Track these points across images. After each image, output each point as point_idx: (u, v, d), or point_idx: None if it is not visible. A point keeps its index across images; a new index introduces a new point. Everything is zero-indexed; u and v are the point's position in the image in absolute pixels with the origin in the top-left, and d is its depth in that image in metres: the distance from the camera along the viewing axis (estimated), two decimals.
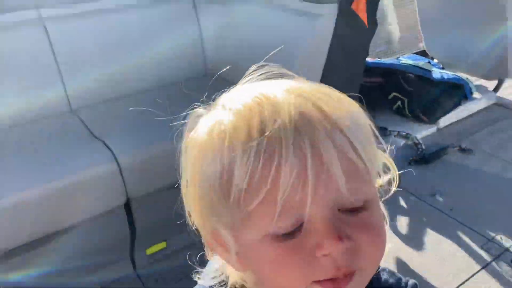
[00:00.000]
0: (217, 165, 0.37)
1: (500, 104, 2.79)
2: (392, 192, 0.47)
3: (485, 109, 2.75)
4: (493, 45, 2.62)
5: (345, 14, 1.74)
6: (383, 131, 2.43)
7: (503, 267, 1.63)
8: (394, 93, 2.62)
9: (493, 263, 1.64)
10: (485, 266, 1.64)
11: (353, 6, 1.77)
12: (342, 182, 0.34)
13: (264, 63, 0.44)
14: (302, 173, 0.33)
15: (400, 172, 0.48)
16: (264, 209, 0.34)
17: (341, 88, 1.65)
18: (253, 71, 0.44)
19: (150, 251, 1.70)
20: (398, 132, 2.43)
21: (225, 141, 0.36)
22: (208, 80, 2.16)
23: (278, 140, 0.34)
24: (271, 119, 0.35)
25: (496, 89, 2.83)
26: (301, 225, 0.35)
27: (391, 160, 0.45)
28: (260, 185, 0.34)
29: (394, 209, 1.95)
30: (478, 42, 2.71)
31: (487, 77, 2.88)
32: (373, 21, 1.93)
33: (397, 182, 0.46)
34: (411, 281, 0.52)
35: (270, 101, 0.37)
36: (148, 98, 1.84)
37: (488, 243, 1.74)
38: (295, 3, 1.65)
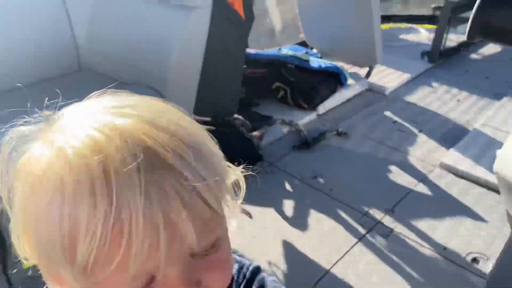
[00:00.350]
0: (56, 222, 0.32)
1: (371, 89, 3.06)
2: (239, 202, 0.45)
3: (359, 94, 3.00)
4: (363, 35, 2.85)
5: (221, 6, 1.75)
6: (269, 120, 2.52)
7: (376, 238, 1.80)
8: (277, 83, 2.73)
9: (368, 236, 1.81)
10: (361, 238, 1.80)
11: None
12: (195, 243, 0.34)
13: (110, 89, 0.39)
14: (155, 244, 0.32)
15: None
16: (114, 277, 0.33)
17: (224, 80, 1.69)
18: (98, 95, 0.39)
19: (27, 264, 1.56)
20: (282, 120, 2.53)
21: (65, 198, 0.32)
22: (83, 75, 2.04)
23: (127, 212, 0.31)
24: (118, 182, 0.31)
25: (367, 75, 3.10)
26: (153, 277, 0.34)
27: (240, 174, 0.44)
28: (108, 259, 0.32)
29: (280, 193, 2.04)
30: (350, 33, 2.94)
31: (359, 65, 3.14)
32: (250, 14, 1.98)
33: (243, 194, 0.46)
34: (252, 266, 0.54)
35: (113, 153, 0.32)
36: (15, 97, 1.67)
37: (363, 217, 1.91)
38: None
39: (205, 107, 1.99)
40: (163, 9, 1.64)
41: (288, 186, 2.11)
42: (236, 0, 1.81)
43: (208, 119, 2.07)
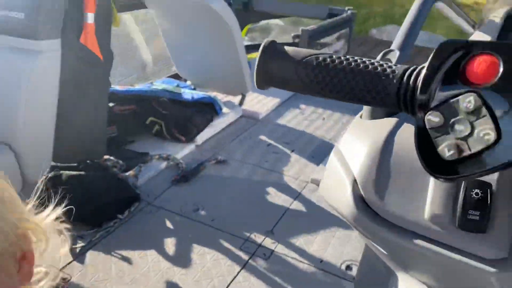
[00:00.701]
0: None
1: (245, 116, 3.18)
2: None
3: (234, 122, 3.09)
4: (231, 66, 2.97)
5: (73, 48, 1.68)
6: (145, 157, 2.46)
7: (258, 262, 1.84)
8: (150, 118, 2.69)
9: (250, 261, 1.84)
10: (245, 265, 1.82)
11: (82, 40, 1.74)
12: None
13: None
14: None
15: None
16: None
17: (86, 122, 1.60)
18: None
19: None
20: (159, 155, 2.49)
21: None
22: None
23: None
24: None
25: (240, 103, 3.22)
26: None
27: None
28: None
29: (161, 233, 1.99)
30: (219, 64, 3.03)
31: (232, 93, 3.25)
32: (108, 52, 1.94)
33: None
34: None
35: None
36: None
37: (245, 243, 1.94)
38: (12, 40, 1.50)
39: (69, 152, 1.88)
40: (6, 55, 1.52)
41: (169, 224, 2.06)
42: (90, 40, 1.75)
43: (74, 164, 1.95)
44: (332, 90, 0.45)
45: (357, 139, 0.66)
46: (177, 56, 3.22)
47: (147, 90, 2.77)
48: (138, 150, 2.55)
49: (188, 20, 2.81)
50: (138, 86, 2.91)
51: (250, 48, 4.31)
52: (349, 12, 4.15)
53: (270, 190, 2.35)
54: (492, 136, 0.36)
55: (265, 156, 2.67)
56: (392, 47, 0.74)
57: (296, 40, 3.57)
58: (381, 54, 0.72)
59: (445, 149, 0.38)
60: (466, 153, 0.37)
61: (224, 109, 3.09)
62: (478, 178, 0.49)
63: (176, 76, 3.46)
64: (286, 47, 0.48)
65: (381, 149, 0.62)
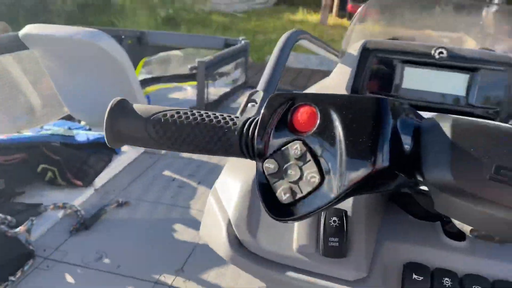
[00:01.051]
0: None
1: (147, 151, 3.11)
2: None
3: (135, 159, 3.00)
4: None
5: None
6: (38, 208, 2.28)
7: None
8: (42, 165, 2.50)
9: None
10: None
11: None
12: None
13: None
14: None
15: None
16: None
17: None
18: None
19: None
20: (54, 204, 2.32)
21: None
22: None
23: None
24: None
25: None
26: None
27: None
28: None
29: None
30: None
31: None
32: None
33: None
34: None
35: None
36: None
37: (155, 286, 1.87)
38: None
39: None
40: None
41: (69, 278, 1.92)
42: None
43: None
44: (182, 144, 0.46)
45: (230, 179, 0.68)
46: (67, 96, 3.07)
47: (35, 136, 2.58)
48: (30, 202, 2.35)
49: (75, 59, 2.71)
50: (26, 133, 2.71)
51: (148, 81, 4.27)
52: (242, 42, 4.31)
53: (177, 226, 2.30)
54: (317, 178, 0.39)
55: (170, 192, 2.62)
56: (258, 88, 0.78)
57: (194, 71, 3.61)
58: (247, 95, 0.76)
59: (282, 193, 0.41)
60: (299, 195, 0.40)
61: (124, 147, 2.99)
62: (335, 206, 0.53)
63: (69, 117, 3.29)
64: (135, 105, 0.49)
65: (251, 188, 0.64)
